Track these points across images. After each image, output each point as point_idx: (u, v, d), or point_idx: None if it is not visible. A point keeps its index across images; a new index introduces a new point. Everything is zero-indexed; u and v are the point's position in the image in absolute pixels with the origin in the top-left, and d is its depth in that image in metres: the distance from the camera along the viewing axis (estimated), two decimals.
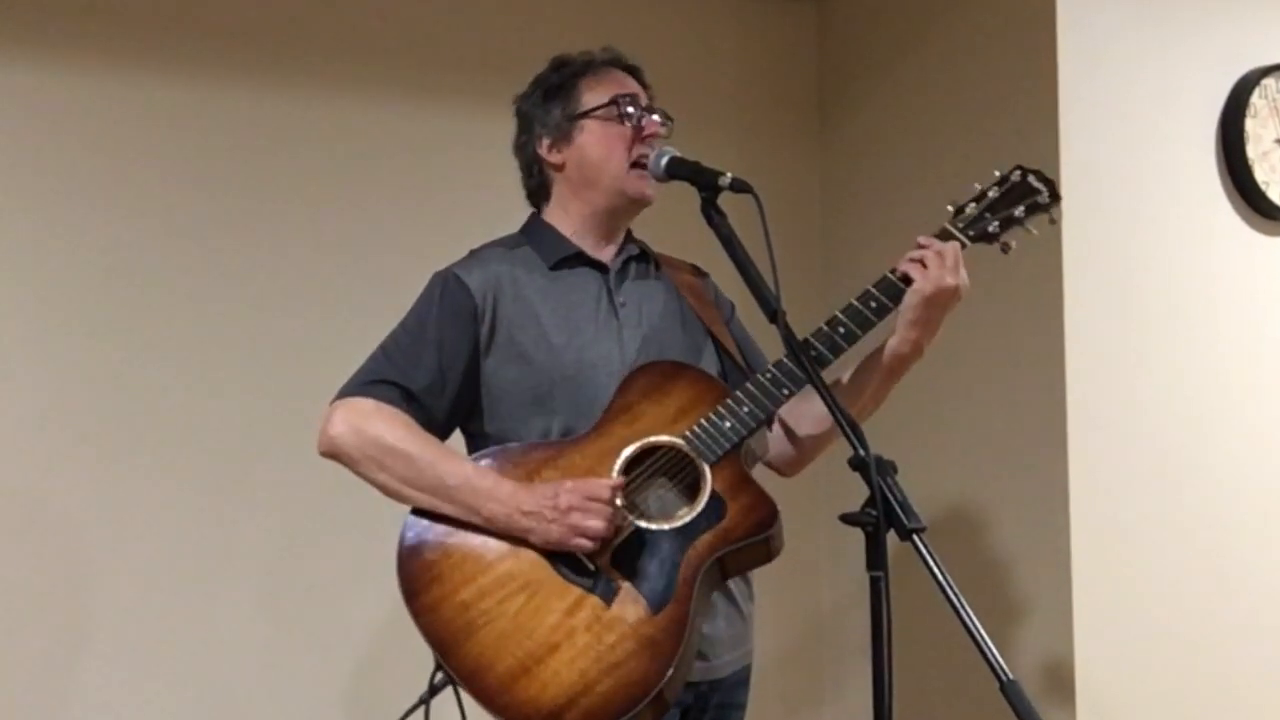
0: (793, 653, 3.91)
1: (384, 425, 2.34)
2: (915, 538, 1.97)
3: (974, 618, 1.93)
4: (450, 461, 2.34)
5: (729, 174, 2.31)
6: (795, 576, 3.83)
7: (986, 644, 1.92)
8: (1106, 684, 3.26)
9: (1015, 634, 3.31)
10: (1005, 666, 1.91)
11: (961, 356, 3.34)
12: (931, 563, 1.96)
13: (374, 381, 2.38)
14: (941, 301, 2.36)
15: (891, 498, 1.99)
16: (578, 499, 2.24)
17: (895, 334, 2.40)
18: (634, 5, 3.80)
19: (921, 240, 2.40)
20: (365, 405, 2.36)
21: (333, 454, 2.38)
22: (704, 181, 2.34)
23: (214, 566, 3.31)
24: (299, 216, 3.45)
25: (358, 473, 2.37)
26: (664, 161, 2.41)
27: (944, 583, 1.95)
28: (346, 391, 2.40)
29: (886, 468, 2.02)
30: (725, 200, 2.33)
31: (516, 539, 2.29)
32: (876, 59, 3.90)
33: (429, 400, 2.39)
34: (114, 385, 3.26)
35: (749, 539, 2.28)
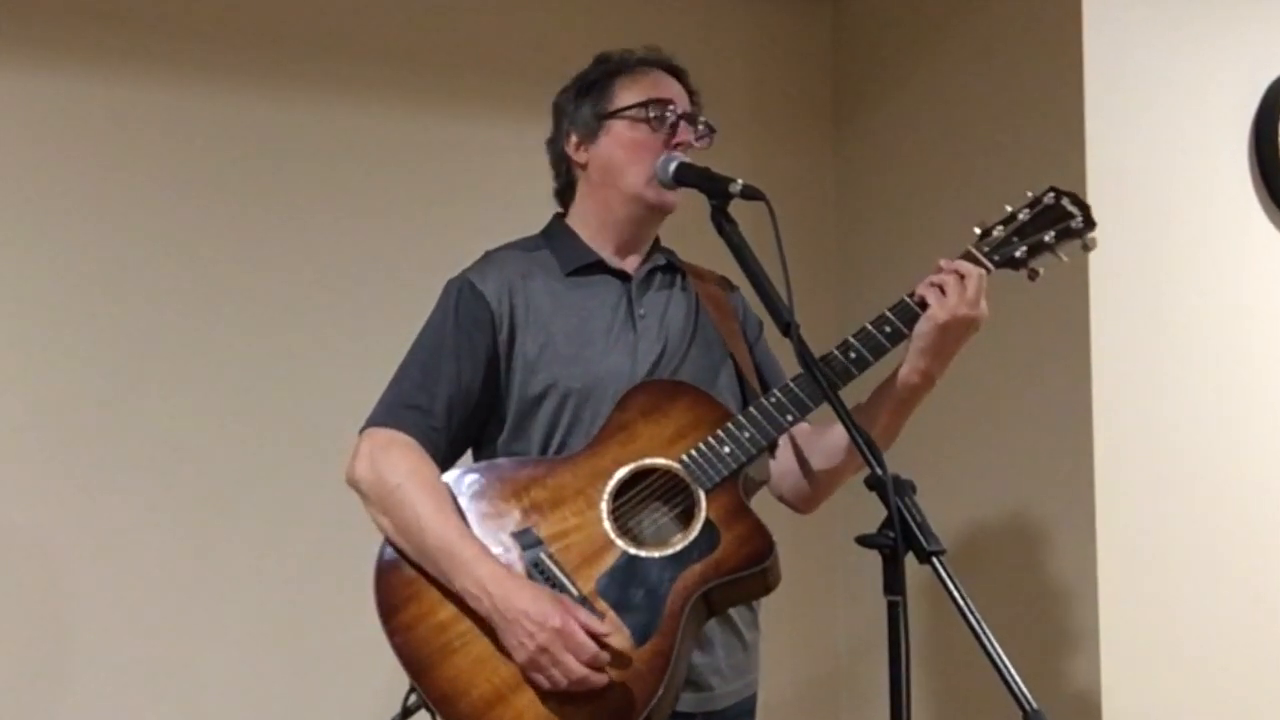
0: (807, 682, 3.90)
1: (390, 465, 2.34)
2: (935, 560, 1.96)
3: (996, 644, 1.92)
4: (438, 519, 2.29)
5: (739, 180, 2.31)
6: (809, 601, 3.82)
7: (1009, 672, 1.91)
8: (1135, 713, 3.24)
9: (1039, 661, 3.29)
10: (1029, 695, 1.90)
11: (983, 370, 3.33)
12: (952, 587, 1.95)
13: (396, 406, 2.39)
14: (957, 332, 2.32)
15: (910, 519, 1.98)
16: (557, 646, 2.18)
17: (905, 362, 2.37)
18: (644, 6, 3.81)
19: (943, 263, 2.35)
20: (382, 438, 2.37)
21: (354, 488, 2.39)
22: (713, 188, 2.34)
23: (199, 589, 3.31)
24: (289, 227, 3.46)
25: (369, 513, 2.37)
26: (672, 168, 2.41)
27: (965, 608, 1.93)
28: (372, 421, 2.41)
29: (905, 487, 2.01)
30: (736, 208, 2.33)
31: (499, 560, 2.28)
32: (894, 60, 3.89)
33: (452, 420, 2.39)
34: (97, 402, 3.27)
35: (741, 571, 2.26)
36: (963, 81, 3.66)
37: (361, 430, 2.41)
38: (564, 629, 2.19)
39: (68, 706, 3.21)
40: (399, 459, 2.34)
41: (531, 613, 2.20)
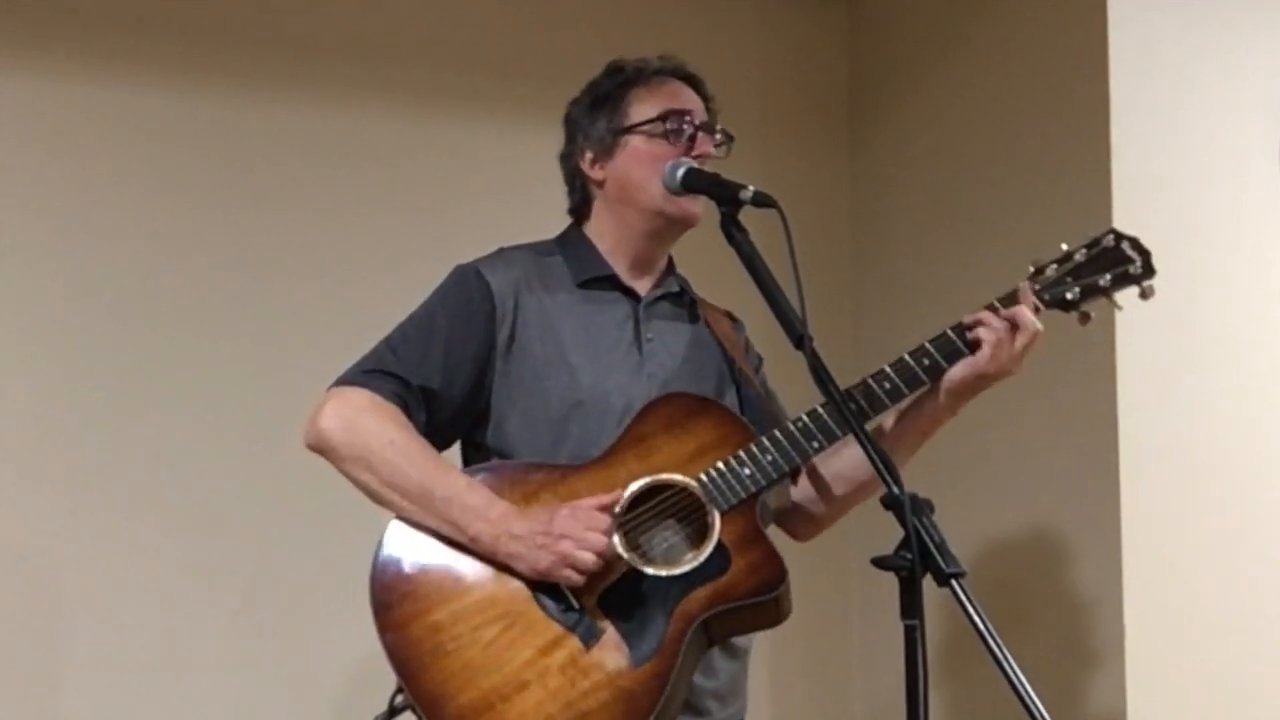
0: (820, 708, 3.88)
1: (376, 422, 2.32)
2: (954, 583, 1.95)
3: (1018, 669, 1.91)
4: (442, 472, 2.32)
5: (751, 187, 2.30)
6: (823, 625, 3.81)
7: (1032, 699, 1.90)
8: None
9: (1063, 687, 3.28)
10: None
11: (1003, 385, 3.31)
12: (972, 611, 1.94)
13: (374, 372, 2.37)
14: (994, 381, 2.36)
15: (928, 539, 1.97)
16: (572, 527, 2.22)
17: (934, 398, 2.39)
18: (654, 7, 3.81)
19: (1002, 313, 2.34)
20: (360, 398, 2.34)
21: (319, 448, 2.36)
22: (724, 195, 2.33)
23: (191, 593, 3.34)
24: (286, 233, 3.47)
25: (342, 470, 2.35)
26: (680, 173, 2.40)
27: (985, 632, 1.92)
28: (343, 380, 2.38)
29: (922, 507, 2.00)
30: (747, 215, 2.32)
31: (502, 564, 2.27)
32: (911, 63, 3.89)
33: (431, 401, 2.38)
34: (89, 408, 3.30)
35: (749, 599, 2.25)
36: (982, 84, 3.64)
37: (330, 387, 2.38)
38: (573, 511, 2.23)
39: (59, 712, 3.23)
40: (386, 418, 2.33)
41: (542, 517, 2.24)
